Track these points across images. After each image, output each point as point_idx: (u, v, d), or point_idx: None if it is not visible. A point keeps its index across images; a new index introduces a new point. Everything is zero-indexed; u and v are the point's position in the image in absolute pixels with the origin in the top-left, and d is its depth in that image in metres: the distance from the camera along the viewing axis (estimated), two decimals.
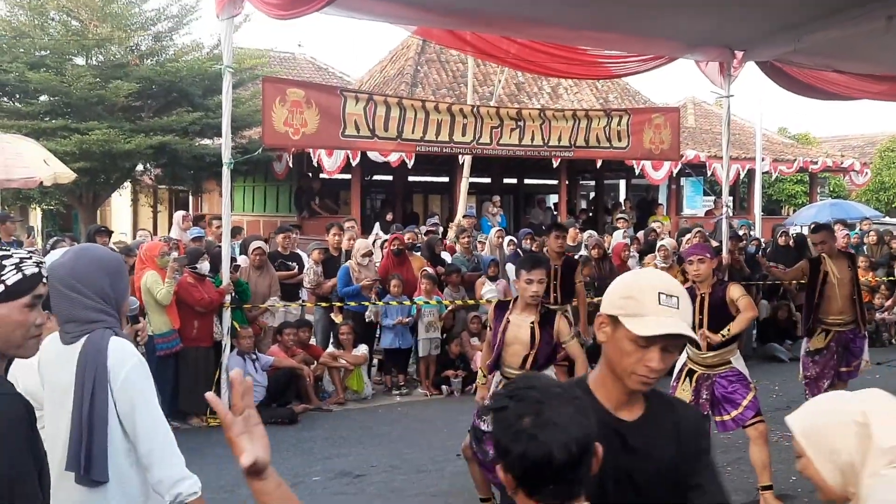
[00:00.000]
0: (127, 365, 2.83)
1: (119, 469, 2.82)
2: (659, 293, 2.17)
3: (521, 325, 5.59)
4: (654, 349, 2.15)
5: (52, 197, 19.52)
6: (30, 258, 2.32)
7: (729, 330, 6.31)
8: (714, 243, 11.50)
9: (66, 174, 12.59)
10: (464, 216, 14.52)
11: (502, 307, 5.80)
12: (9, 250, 2.31)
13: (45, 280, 2.34)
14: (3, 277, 2.26)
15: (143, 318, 3.90)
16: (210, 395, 1.87)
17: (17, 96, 18.08)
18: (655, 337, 2.12)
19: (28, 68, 16.55)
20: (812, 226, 9.23)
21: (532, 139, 10.39)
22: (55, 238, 10.51)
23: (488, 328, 5.95)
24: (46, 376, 2.93)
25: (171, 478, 2.80)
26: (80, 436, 2.77)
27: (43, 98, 17.83)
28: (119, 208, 27.30)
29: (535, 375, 1.91)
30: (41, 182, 12.55)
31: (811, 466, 2.05)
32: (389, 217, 16.24)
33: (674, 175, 20.54)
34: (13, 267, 2.28)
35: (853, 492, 2.00)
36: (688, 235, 12.80)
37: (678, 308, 2.16)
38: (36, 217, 23.71)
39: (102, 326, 2.88)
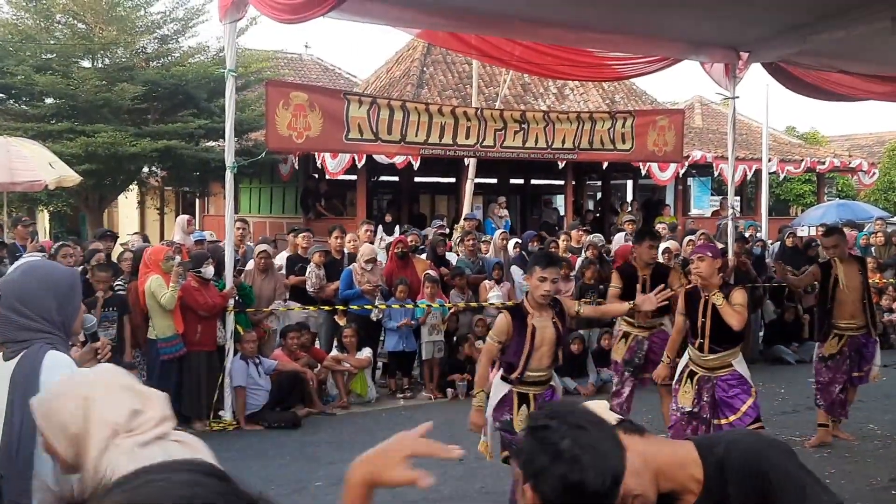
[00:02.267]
0: (58, 379, 2.71)
1: (44, 486, 2.69)
2: None
3: (545, 326, 5.41)
4: None
5: (58, 199, 19.57)
6: None
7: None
8: (720, 245, 11.42)
9: (70, 177, 12.60)
10: (465, 218, 14.46)
11: (519, 314, 5.45)
12: None
13: None
14: None
15: (103, 336, 3.83)
16: None
17: (24, 99, 18.14)
18: None
19: (34, 71, 16.59)
20: (823, 229, 9.14)
21: (536, 141, 10.36)
22: (60, 242, 10.52)
23: (495, 342, 5.47)
24: None
25: None
26: (10, 452, 2.68)
27: (49, 101, 17.85)
28: (126, 210, 27.35)
29: (574, 402, 1.91)
30: (46, 185, 12.56)
31: (50, 443, 2.11)
32: (388, 219, 16.13)
33: (680, 176, 20.47)
34: None
35: (85, 461, 2.09)
36: (690, 237, 12.74)
37: None
38: (44, 219, 23.77)
39: (42, 342, 2.80)
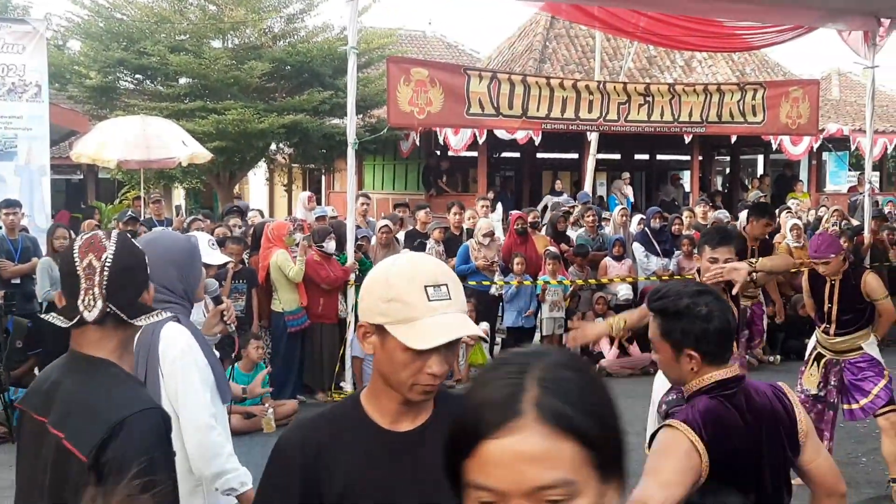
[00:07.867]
0: (174, 351, 2.83)
1: None
2: (425, 287, 1.86)
3: None
4: (434, 354, 1.85)
5: (192, 176, 20.34)
6: None
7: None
8: (854, 222, 10.88)
9: (202, 154, 13.04)
10: (580, 202, 14.04)
11: None
12: None
13: None
14: None
15: (226, 299, 3.91)
16: None
17: (159, 79, 18.88)
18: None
19: (169, 51, 17.23)
20: None
21: (661, 115, 10.09)
22: (192, 217, 10.93)
23: None
24: None
25: (214, 473, 2.79)
26: None
27: (182, 80, 18.57)
28: (255, 187, 28.21)
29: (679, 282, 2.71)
30: (179, 162, 13.07)
31: None
32: (491, 195, 15.87)
33: (814, 150, 19.57)
34: None
35: None
36: (825, 215, 12.14)
37: (450, 298, 1.87)
38: (179, 196, 24.78)
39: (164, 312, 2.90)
